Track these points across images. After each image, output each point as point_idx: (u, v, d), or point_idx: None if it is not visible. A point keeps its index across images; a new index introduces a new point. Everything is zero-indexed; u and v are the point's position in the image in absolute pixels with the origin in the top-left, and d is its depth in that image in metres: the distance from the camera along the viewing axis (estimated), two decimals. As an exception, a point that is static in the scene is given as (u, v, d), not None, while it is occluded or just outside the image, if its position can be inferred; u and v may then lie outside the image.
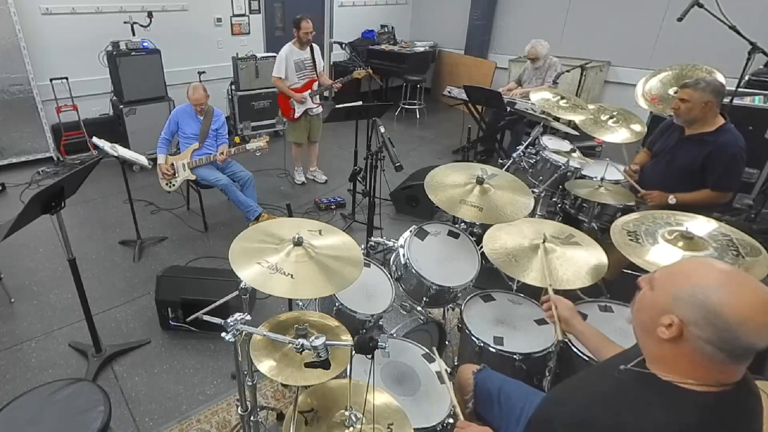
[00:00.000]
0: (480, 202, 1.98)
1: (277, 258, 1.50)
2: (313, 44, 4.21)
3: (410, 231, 2.16)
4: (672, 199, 2.52)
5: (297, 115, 4.26)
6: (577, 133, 3.74)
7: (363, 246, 2.91)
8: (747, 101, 3.71)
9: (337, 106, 3.96)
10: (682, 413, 0.93)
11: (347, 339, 1.55)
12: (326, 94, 4.37)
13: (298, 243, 1.54)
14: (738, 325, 0.86)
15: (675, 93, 3.23)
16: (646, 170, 2.85)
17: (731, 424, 0.93)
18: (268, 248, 1.54)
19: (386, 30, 7.68)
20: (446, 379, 1.65)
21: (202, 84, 3.78)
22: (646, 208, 2.54)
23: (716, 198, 2.53)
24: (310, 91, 4.24)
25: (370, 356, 1.19)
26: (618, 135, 3.13)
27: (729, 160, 2.46)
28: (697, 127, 2.54)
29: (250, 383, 1.61)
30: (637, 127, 3.13)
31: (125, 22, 4.82)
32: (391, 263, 2.17)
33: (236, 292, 1.62)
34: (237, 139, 3.62)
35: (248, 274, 1.44)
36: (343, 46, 4.51)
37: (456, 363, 2.10)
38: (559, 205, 3.17)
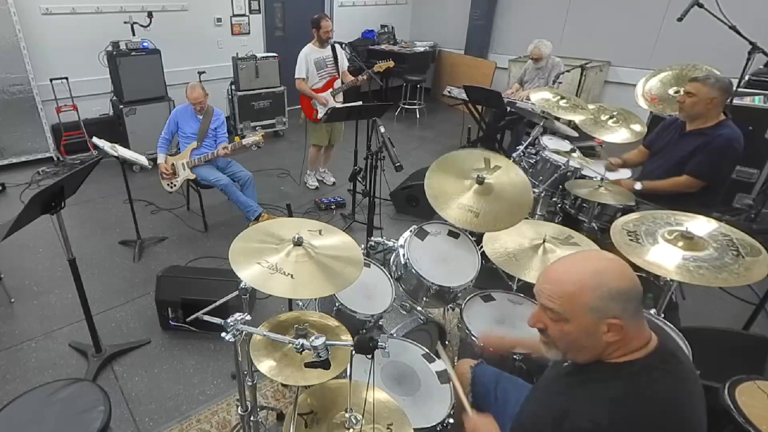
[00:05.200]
0: (478, 207, 1.93)
1: (277, 258, 1.50)
2: (335, 43, 4.17)
3: (410, 231, 2.16)
4: (638, 185, 2.53)
5: (320, 116, 4.19)
6: (576, 134, 3.74)
7: (363, 246, 2.91)
8: (747, 101, 3.71)
9: (337, 105, 3.96)
10: (609, 387, 1.02)
11: (347, 339, 1.56)
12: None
13: (298, 243, 1.54)
14: (631, 283, 1.02)
15: (675, 93, 3.24)
16: (646, 167, 2.87)
17: (656, 387, 1.00)
18: (268, 248, 1.54)
19: (386, 30, 7.68)
20: (451, 371, 1.65)
21: (200, 83, 3.77)
22: (646, 208, 2.54)
23: (685, 185, 2.53)
24: (331, 89, 4.19)
25: (370, 356, 1.19)
26: (618, 135, 3.13)
27: (717, 150, 2.47)
28: (699, 123, 2.57)
29: (250, 383, 1.61)
30: (637, 127, 3.13)
31: (125, 22, 4.82)
32: (391, 263, 2.17)
33: (236, 292, 1.62)
34: (237, 139, 3.62)
35: (248, 274, 1.44)
36: (343, 46, 4.51)
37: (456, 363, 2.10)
38: (559, 205, 3.17)
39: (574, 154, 3.30)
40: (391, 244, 2.38)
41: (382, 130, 2.79)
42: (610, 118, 3.23)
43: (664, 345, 1.07)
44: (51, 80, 4.62)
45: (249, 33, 6.18)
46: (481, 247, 2.02)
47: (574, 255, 1.14)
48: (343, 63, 4.27)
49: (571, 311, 1.03)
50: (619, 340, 1.02)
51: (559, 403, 1.09)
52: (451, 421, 1.57)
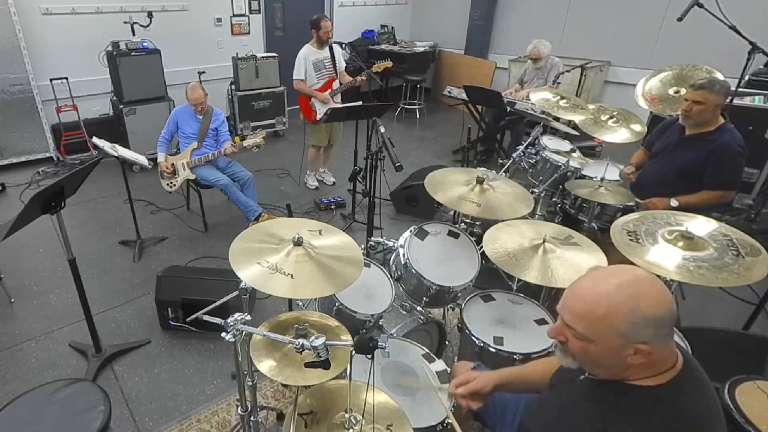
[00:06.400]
0: (479, 200, 2.00)
1: (277, 258, 1.50)
2: (333, 43, 4.17)
3: (410, 231, 2.16)
4: (674, 202, 2.51)
5: (319, 116, 4.18)
6: (577, 133, 3.74)
7: (363, 246, 2.90)
8: (747, 101, 3.71)
9: (336, 106, 3.96)
10: (650, 413, 0.97)
11: (347, 339, 1.55)
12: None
13: (298, 243, 1.54)
14: (667, 309, 0.96)
15: (675, 93, 3.24)
16: (645, 170, 2.85)
17: (695, 408, 0.98)
18: (268, 248, 1.54)
19: (386, 30, 7.68)
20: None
21: (200, 83, 3.77)
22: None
23: (718, 197, 2.52)
24: (330, 90, 4.19)
25: (370, 356, 1.19)
26: (618, 135, 3.13)
27: (730, 159, 2.46)
28: (700, 128, 2.54)
29: (250, 383, 1.61)
30: (637, 127, 3.13)
31: (125, 22, 4.82)
32: (391, 263, 2.17)
33: (236, 292, 1.62)
34: (237, 139, 3.62)
35: (248, 274, 1.44)
36: (343, 46, 4.51)
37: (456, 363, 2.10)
38: (559, 205, 3.17)
39: (574, 154, 3.30)
40: (391, 244, 2.38)
41: (382, 130, 2.79)
42: (610, 118, 3.23)
43: (689, 362, 1.03)
44: (51, 80, 4.62)
45: (249, 33, 6.18)
46: (481, 247, 2.02)
47: (608, 271, 1.03)
48: (341, 63, 4.27)
49: (596, 333, 0.98)
50: (644, 363, 0.98)
51: (590, 426, 1.05)
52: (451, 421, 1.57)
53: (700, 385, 1.01)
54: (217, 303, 1.69)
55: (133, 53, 4.69)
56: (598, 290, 0.99)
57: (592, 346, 0.99)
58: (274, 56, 5.71)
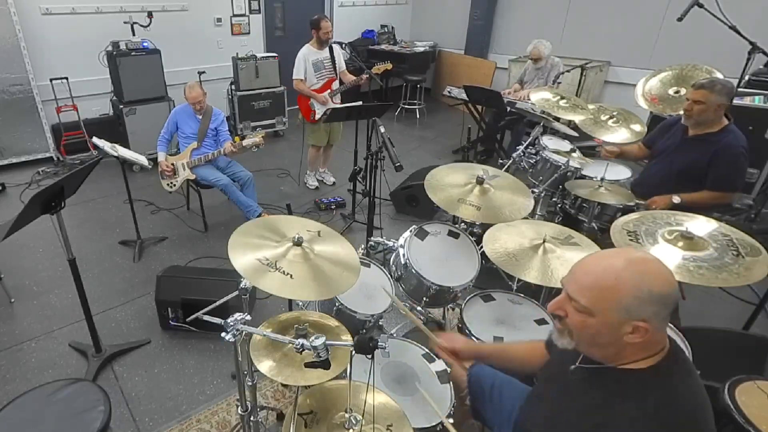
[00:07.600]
0: (479, 202, 1.99)
1: (274, 253, 1.51)
2: (333, 44, 4.17)
3: (410, 231, 2.16)
4: (676, 199, 2.50)
5: (318, 116, 4.19)
6: (576, 134, 3.74)
7: (363, 246, 2.90)
8: (747, 101, 3.71)
9: (336, 106, 3.95)
10: (647, 397, 0.98)
11: (347, 339, 1.56)
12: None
13: (297, 243, 1.54)
14: (672, 289, 0.98)
15: (675, 93, 3.24)
16: (647, 170, 2.85)
17: (689, 388, 0.99)
18: (266, 244, 1.55)
19: (386, 30, 7.68)
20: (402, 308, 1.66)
21: (198, 82, 3.76)
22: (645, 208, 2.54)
23: (719, 198, 2.52)
24: (329, 91, 4.19)
25: (370, 356, 1.19)
26: (618, 135, 3.13)
27: (733, 161, 2.45)
28: (703, 128, 2.53)
29: (250, 383, 1.61)
30: (637, 127, 3.13)
31: (125, 22, 4.82)
32: (391, 263, 2.17)
33: (236, 292, 1.62)
34: (237, 139, 3.62)
35: (242, 263, 1.46)
36: (344, 46, 4.51)
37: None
38: (559, 205, 3.17)
39: (574, 154, 3.30)
40: (391, 244, 2.39)
41: (382, 130, 2.79)
42: (610, 118, 3.23)
43: (675, 346, 1.05)
44: (51, 80, 4.62)
45: (249, 33, 6.18)
46: (481, 247, 2.02)
47: (617, 250, 1.06)
48: (341, 63, 4.27)
49: (599, 306, 0.99)
50: (640, 343, 0.98)
51: (588, 415, 1.04)
52: (451, 421, 1.57)
53: (687, 369, 1.03)
54: (217, 303, 1.69)
55: (133, 53, 4.69)
56: (607, 264, 1.01)
57: (592, 320, 1.00)
58: (274, 56, 5.71)
